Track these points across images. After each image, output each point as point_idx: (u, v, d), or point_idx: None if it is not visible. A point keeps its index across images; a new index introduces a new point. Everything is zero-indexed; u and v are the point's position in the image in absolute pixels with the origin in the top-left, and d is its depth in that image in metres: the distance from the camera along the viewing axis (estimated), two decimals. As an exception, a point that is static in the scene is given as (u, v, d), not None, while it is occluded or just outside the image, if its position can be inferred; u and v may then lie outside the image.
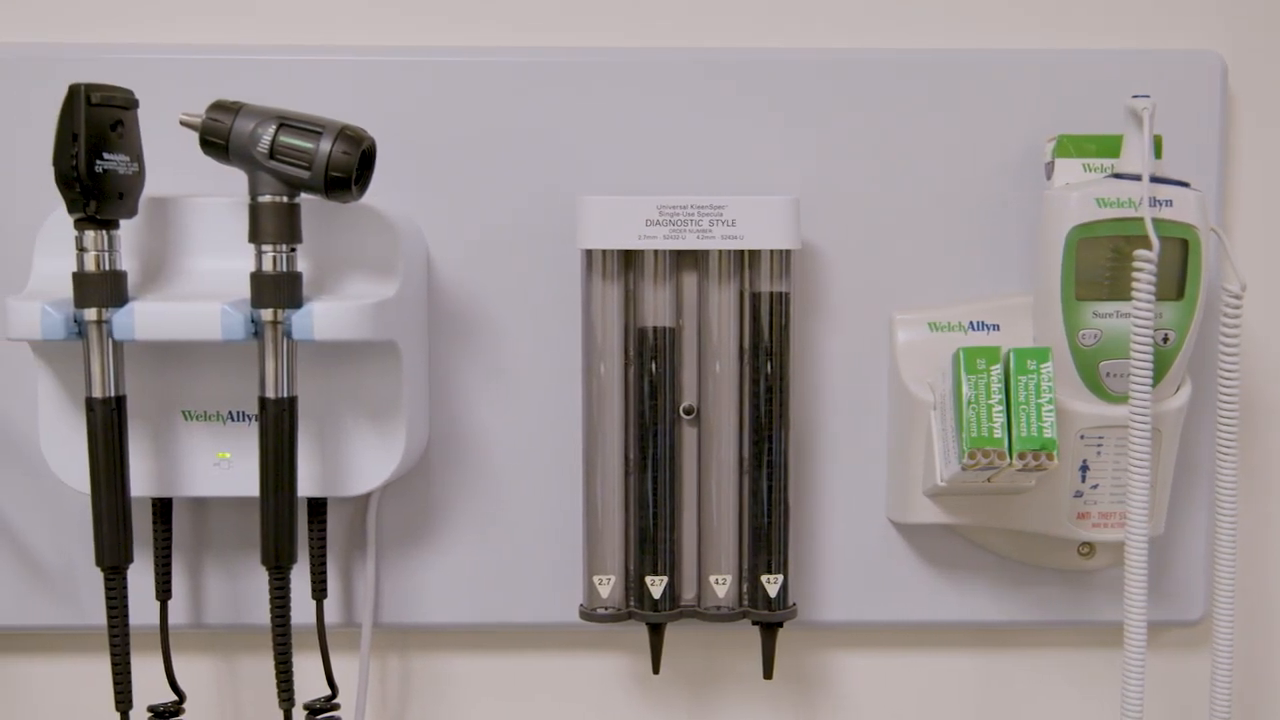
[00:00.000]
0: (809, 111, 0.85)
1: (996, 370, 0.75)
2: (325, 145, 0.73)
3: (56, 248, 0.78)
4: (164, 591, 0.83)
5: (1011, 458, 0.74)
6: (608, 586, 0.83)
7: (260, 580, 0.86)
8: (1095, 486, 0.81)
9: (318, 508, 0.83)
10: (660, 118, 0.84)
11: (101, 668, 0.89)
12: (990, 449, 0.74)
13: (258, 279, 0.75)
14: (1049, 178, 0.82)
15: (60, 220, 0.78)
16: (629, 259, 0.81)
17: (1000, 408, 0.75)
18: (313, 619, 0.83)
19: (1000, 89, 0.85)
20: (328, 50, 0.85)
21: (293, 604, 0.79)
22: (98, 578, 0.85)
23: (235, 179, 0.78)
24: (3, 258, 0.84)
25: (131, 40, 0.86)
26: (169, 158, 0.79)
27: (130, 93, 0.75)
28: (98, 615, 0.85)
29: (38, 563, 0.86)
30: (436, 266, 0.85)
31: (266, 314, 0.75)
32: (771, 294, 0.81)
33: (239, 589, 0.86)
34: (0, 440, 0.85)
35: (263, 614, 0.86)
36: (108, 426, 0.75)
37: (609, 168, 0.85)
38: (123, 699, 0.78)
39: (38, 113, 0.83)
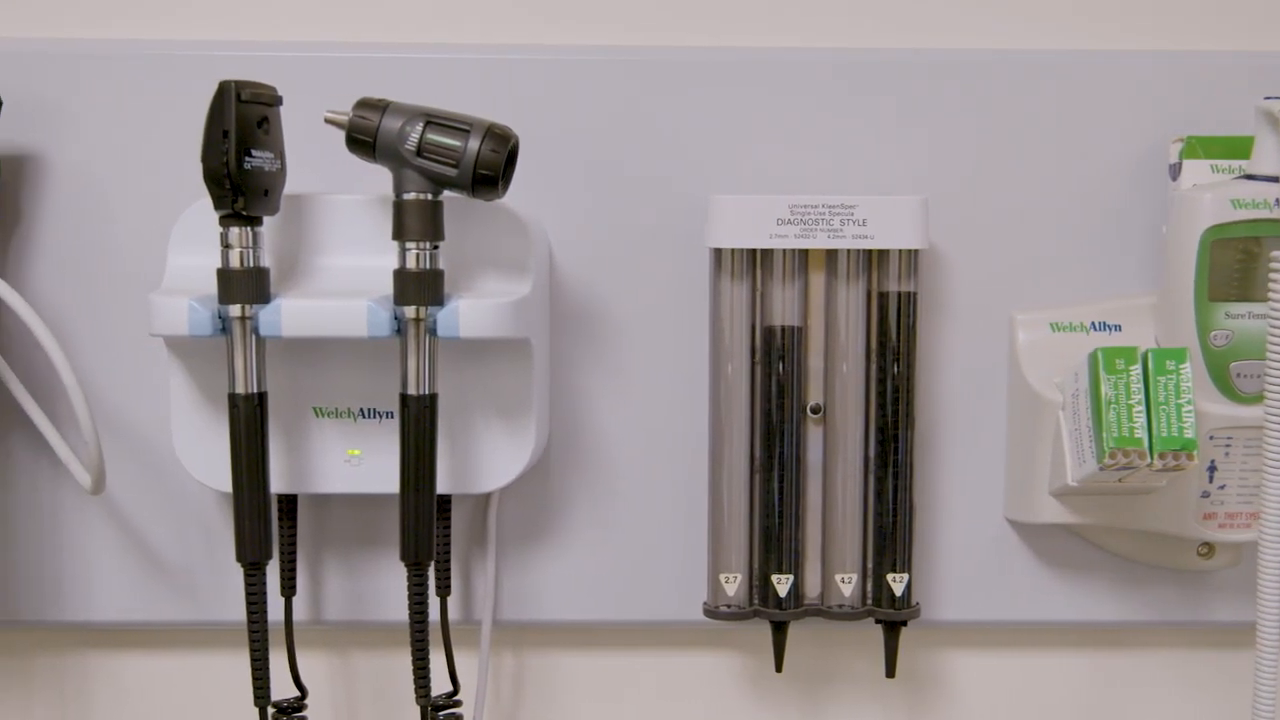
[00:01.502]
0: (930, 111, 0.85)
1: (1136, 370, 0.76)
2: (473, 143, 0.73)
3: (191, 244, 0.78)
4: (289, 588, 0.83)
5: (1152, 458, 0.75)
6: (733, 585, 0.83)
7: (380, 577, 0.86)
8: (1223, 487, 0.81)
9: (443, 505, 0.83)
10: (782, 117, 0.85)
11: (218, 663, 0.89)
12: (1131, 449, 0.75)
13: (401, 276, 0.75)
14: (1174, 179, 0.83)
15: (194, 216, 0.79)
16: (757, 258, 0.82)
17: (1140, 408, 0.75)
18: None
19: (1120, 90, 0.85)
20: (452, 49, 0.85)
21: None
22: (216, 574, 0.86)
23: (350, 177, 0.79)
24: (129, 255, 0.84)
25: (243, 38, 0.86)
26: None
27: (274, 90, 0.75)
28: (216, 611, 0.86)
29: (158, 559, 0.86)
30: (558, 264, 0.85)
31: (410, 311, 0.75)
32: (899, 294, 0.82)
33: (359, 586, 0.86)
34: (118, 436, 0.85)
35: (380, 610, 0.86)
36: (250, 423, 0.75)
37: (726, 166, 0.85)
38: (261, 694, 0.78)
39: (164, 111, 0.83)
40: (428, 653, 0.79)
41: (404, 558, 0.77)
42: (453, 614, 0.86)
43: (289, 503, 0.82)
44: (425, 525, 0.76)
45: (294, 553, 0.83)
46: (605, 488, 0.86)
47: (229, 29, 0.86)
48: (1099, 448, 0.76)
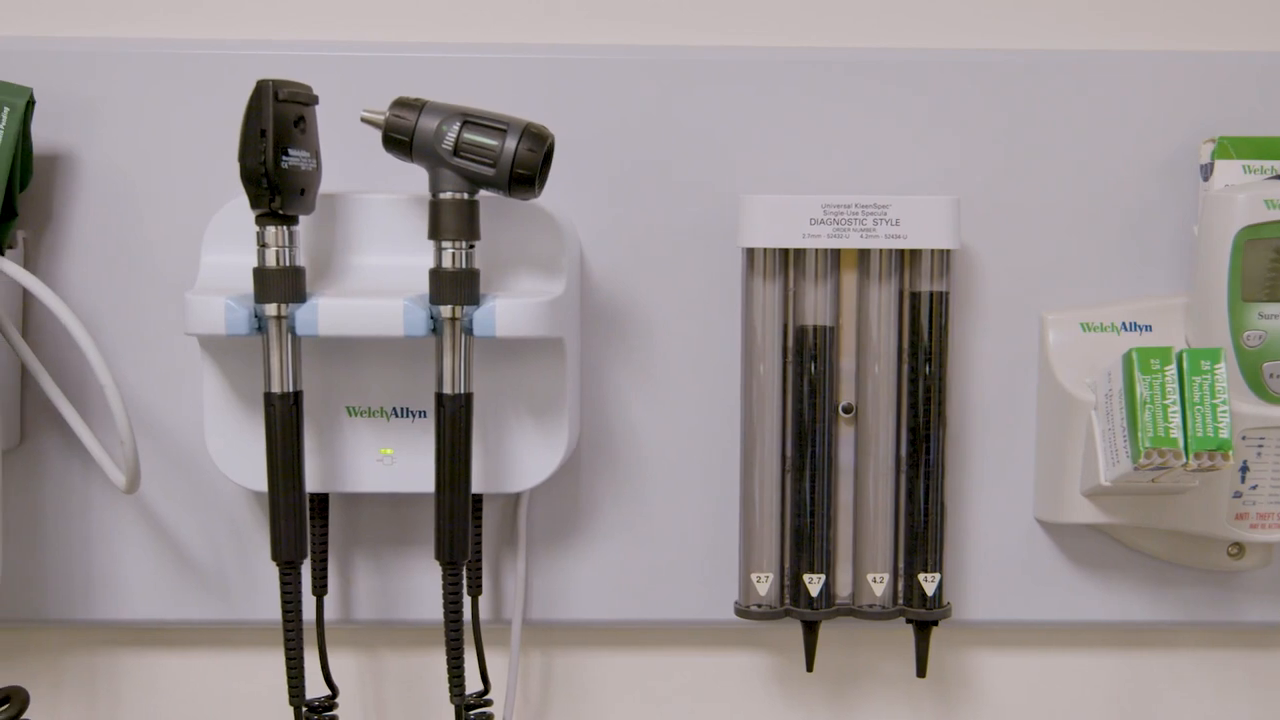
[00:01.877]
0: (960, 111, 0.85)
1: (1170, 371, 0.76)
2: (510, 143, 0.73)
3: (225, 243, 0.78)
4: (320, 587, 0.83)
5: (1188, 458, 0.75)
6: (765, 584, 0.83)
7: (410, 576, 0.86)
8: (1254, 487, 0.81)
9: (474, 504, 0.82)
10: (812, 117, 0.85)
11: (248, 662, 0.89)
12: (1166, 449, 0.75)
13: (438, 275, 0.75)
14: (1205, 179, 0.83)
15: (228, 215, 0.79)
16: (789, 258, 0.82)
17: (1175, 408, 0.75)
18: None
19: (1149, 90, 0.85)
20: (481, 48, 0.85)
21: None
22: (247, 573, 0.86)
23: (375, 175, 0.79)
24: (159, 253, 0.84)
25: (274, 37, 0.86)
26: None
27: (311, 89, 0.75)
28: (246, 610, 0.86)
29: (188, 558, 0.86)
30: (588, 263, 0.85)
31: (446, 310, 0.75)
32: (931, 293, 0.82)
33: (389, 585, 0.86)
34: (147, 435, 0.85)
35: (410, 610, 0.86)
36: (286, 422, 0.75)
37: (757, 166, 0.85)
38: (296, 693, 0.78)
39: (195, 110, 0.83)
40: (463, 652, 0.79)
41: (439, 557, 0.77)
42: (482, 614, 0.86)
43: (321, 502, 0.82)
44: (461, 524, 0.76)
45: (325, 552, 0.83)
46: (635, 487, 0.86)
47: (260, 28, 0.86)
48: (1134, 448, 0.76)
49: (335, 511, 0.85)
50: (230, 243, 0.78)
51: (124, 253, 0.84)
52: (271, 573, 0.81)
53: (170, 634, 0.89)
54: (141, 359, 0.85)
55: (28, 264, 0.83)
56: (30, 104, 0.79)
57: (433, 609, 0.84)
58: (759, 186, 0.85)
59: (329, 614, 0.85)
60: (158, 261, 0.84)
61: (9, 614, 0.85)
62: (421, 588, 0.86)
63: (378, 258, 0.79)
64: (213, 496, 0.85)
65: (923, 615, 0.83)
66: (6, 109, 0.78)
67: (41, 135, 0.82)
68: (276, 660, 0.84)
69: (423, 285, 0.76)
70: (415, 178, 0.77)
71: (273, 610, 0.81)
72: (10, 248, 0.81)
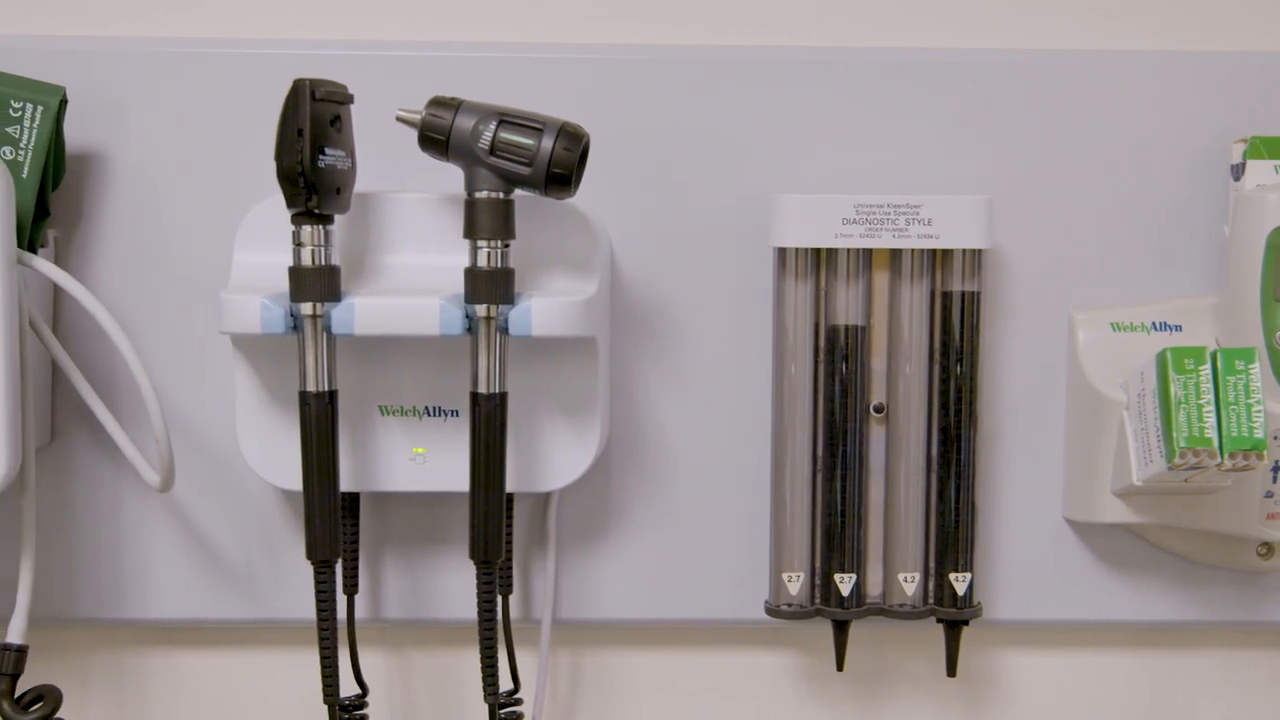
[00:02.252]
0: (989, 111, 0.85)
1: (1205, 370, 0.76)
2: (547, 142, 0.73)
3: (257, 242, 0.78)
4: (351, 586, 0.83)
5: (1222, 457, 0.75)
6: (796, 584, 0.83)
7: (440, 576, 0.86)
8: (1286, 487, 0.81)
9: (506, 504, 0.82)
10: (842, 117, 0.85)
11: (278, 661, 0.89)
12: (1201, 449, 0.75)
13: (473, 274, 0.75)
14: (1237, 179, 0.83)
15: (261, 214, 0.79)
16: (821, 257, 0.82)
17: (1210, 408, 0.75)
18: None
19: (1178, 90, 0.85)
20: (511, 47, 0.85)
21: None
22: (277, 572, 0.86)
23: (397, 174, 0.79)
24: (189, 253, 0.84)
25: (303, 36, 0.86)
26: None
27: (346, 88, 0.75)
28: (276, 609, 0.86)
29: (218, 557, 0.86)
30: (617, 262, 0.85)
31: (481, 309, 0.75)
32: (963, 293, 0.82)
33: (419, 584, 0.86)
34: (176, 434, 0.85)
35: (440, 609, 0.86)
36: (322, 421, 0.75)
37: (786, 165, 0.85)
38: (331, 692, 0.78)
39: (225, 109, 0.83)
40: (496, 651, 0.79)
41: (473, 556, 0.77)
42: (512, 613, 0.86)
43: (352, 501, 0.82)
44: (495, 524, 0.76)
45: (356, 551, 0.83)
46: (666, 487, 0.86)
47: (291, 28, 0.86)
48: (1168, 448, 0.76)
49: (365, 511, 0.85)
50: (263, 242, 0.78)
51: (154, 251, 0.84)
52: (301, 572, 0.81)
53: (198, 633, 0.89)
54: (171, 357, 0.85)
55: (58, 263, 0.83)
56: (63, 103, 0.79)
57: (462, 608, 0.84)
58: (788, 186, 0.85)
59: (358, 613, 0.85)
60: (188, 260, 0.84)
61: (39, 613, 0.84)
62: (451, 587, 0.86)
63: (412, 257, 0.79)
64: (243, 495, 0.85)
65: (954, 615, 0.83)
66: (40, 108, 0.78)
67: (73, 134, 0.82)
68: (305, 659, 0.84)
69: (457, 285, 0.76)
70: (446, 177, 0.77)
71: (302, 609, 0.82)
72: (42, 246, 0.81)
